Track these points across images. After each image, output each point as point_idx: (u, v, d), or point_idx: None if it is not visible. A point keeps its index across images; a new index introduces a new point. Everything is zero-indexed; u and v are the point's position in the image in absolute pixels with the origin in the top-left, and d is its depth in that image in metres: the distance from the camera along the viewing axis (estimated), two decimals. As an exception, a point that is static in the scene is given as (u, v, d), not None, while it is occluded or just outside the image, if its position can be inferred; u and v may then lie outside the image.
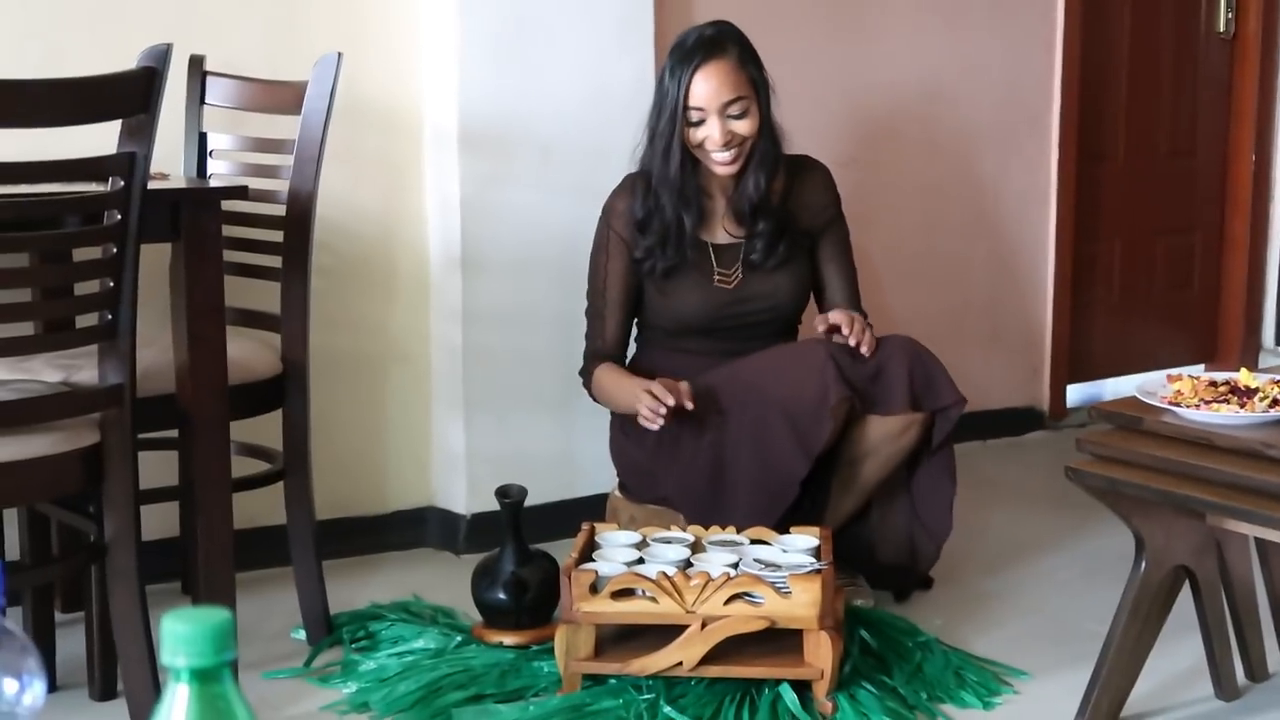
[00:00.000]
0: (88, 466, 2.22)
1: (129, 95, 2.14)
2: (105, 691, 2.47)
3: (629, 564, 2.47)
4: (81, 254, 2.45)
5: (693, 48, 2.82)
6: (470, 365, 3.26)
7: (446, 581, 3.03)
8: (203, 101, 2.92)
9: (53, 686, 2.49)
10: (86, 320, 2.25)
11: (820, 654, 2.36)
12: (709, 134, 2.82)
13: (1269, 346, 4.90)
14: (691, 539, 2.60)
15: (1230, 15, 4.73)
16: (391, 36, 3.24)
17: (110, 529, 2.26)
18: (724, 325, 2.93)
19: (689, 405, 2.69)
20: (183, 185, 2.53)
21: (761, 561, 2.47)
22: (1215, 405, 2.17)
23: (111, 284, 2.18)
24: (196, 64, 2.92)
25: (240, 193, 2.42)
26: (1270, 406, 2.15)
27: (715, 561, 2.47)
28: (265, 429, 2.82)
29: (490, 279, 3.26)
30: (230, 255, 2.60)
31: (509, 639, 2.66)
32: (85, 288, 2.27)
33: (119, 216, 2.16)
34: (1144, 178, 4.65)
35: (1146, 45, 4.58)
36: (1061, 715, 2.31)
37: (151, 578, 2.44)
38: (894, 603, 2.89)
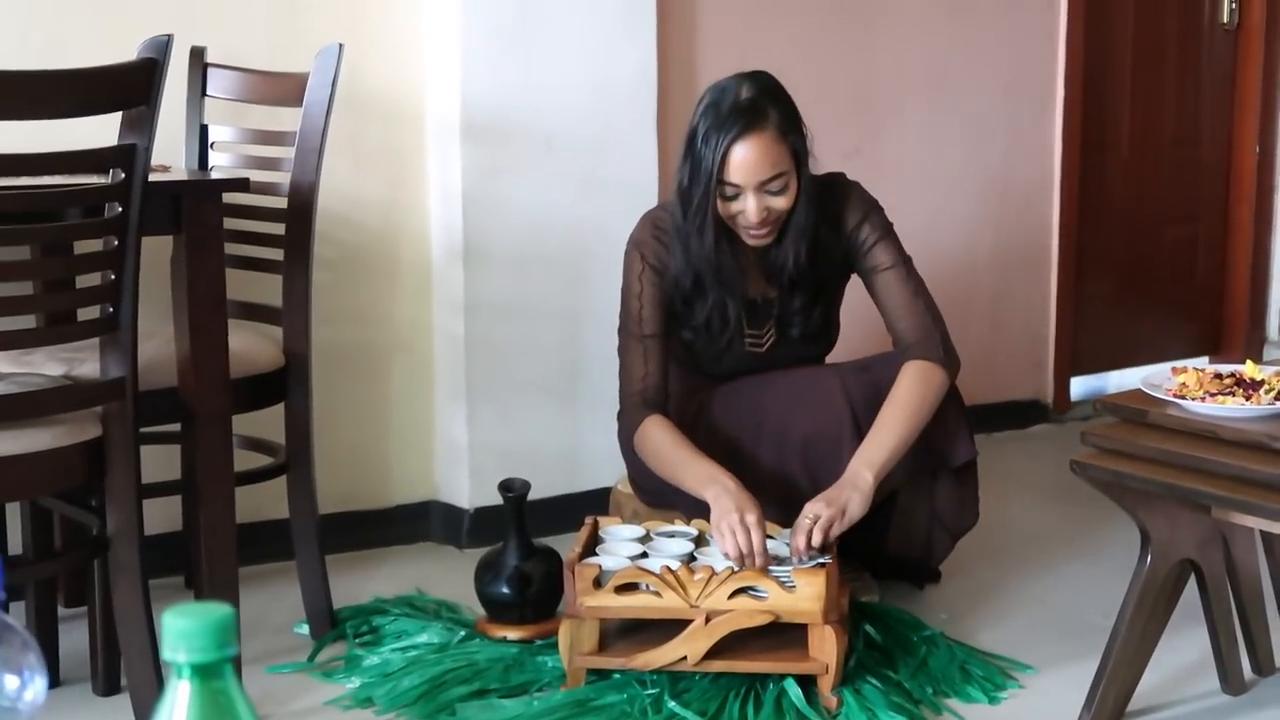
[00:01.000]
0: (90, 460, 2.21)
1: (130, 87, 2.13)
2: (108, 686, 2.47)
3: (633, 558, 2.46)
4: (83, 247, 2.44)
5: (730, 115, 2.54)
6: (473, 357, 3.25)
7: (450, 576, 3.02)
8: (204, 93, 2.91)
9: (55, 681, 2.48)
10: (88, 313, 2.24)
11: (825, 648, 2.35)
12: (744, 210, 2.58)
13: (1273, 339, 4.89)
14: (695, 533, 2.59)
15: (1234, 6, 4.72)
16: (393, 27, 3.23)
17: (113, 523, 2.26)
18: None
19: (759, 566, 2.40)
20: (184, 177, 2.53)
21: (766, 555, 2.46)
22: (1221, 398, 2.16)
23: (113, 277, 2.17)
24: (198, 55, 2.91)
25: (242, 185, 2.41)
26: (1276, 399, 2.14)
27: (719, 556, 2.46)
28: (268, 422, 2.82)
29: (493, 270, 3.25)
30: (232, 248, 2.60)
31: (513, 633, 2.66)
32: (87, 281, 2.25)
33: (120, 209, 2.15)
34: (1148, 168, 4.64)
35: (1150, 35, 4.57)
36: (1067, 709, 2.30)
37: (154, 572, 2.44)
38: (904, 595, 2.88)
